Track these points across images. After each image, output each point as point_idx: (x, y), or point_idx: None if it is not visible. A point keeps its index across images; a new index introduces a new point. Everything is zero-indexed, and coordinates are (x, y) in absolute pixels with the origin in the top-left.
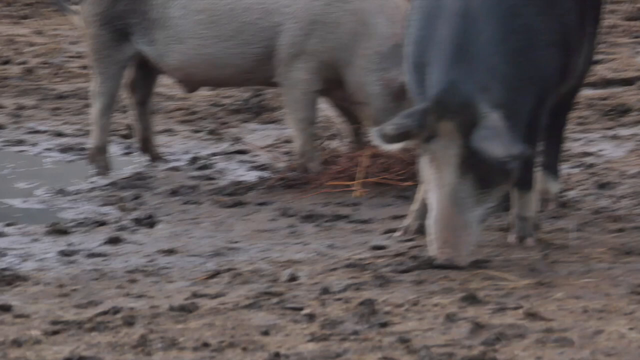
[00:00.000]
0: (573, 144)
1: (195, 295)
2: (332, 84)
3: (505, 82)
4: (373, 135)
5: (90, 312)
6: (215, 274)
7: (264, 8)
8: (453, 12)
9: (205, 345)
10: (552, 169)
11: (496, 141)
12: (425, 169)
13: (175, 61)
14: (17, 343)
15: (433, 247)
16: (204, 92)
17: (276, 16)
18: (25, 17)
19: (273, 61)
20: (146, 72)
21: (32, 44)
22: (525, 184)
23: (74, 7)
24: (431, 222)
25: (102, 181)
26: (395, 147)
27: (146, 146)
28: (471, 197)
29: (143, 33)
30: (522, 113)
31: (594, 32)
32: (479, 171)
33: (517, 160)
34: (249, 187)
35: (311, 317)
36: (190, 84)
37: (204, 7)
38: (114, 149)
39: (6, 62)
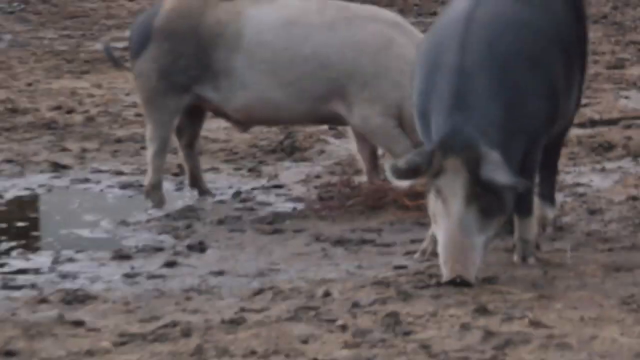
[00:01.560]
0: (566, 176)
1: (243, 310)
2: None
3: (500, 128)
4: (386, 170)
5: (152, 326)
6: (260, 292)
7: (320, 62)
8: (450, 68)
9: (253, 353)
10: (548, 197)
11: (502, 172)
12: (433, 202)
13: (239, 105)
14: (90, 353)
15: (445, 267)
16: (243, 136)
17: (331, 72)
18: (85, 72)
19: (328, 106)
20: (193, 119)
21: (92, 95)
22: (525, 210)
23: (127, 63)
24: (441, 247)
25: (158, 213)
26: (405, 183)
27: (195, 182)
28: (475, 224)
29: (206, 82)
30: (516, 153)
31: (582, 80)
32: (481, 202)
33: (521, 187)
34: (286, 216)
35: (344, 328)
36: (250, 123)
37: (266, 58)
38: (168, 186)
39: (70, 112)
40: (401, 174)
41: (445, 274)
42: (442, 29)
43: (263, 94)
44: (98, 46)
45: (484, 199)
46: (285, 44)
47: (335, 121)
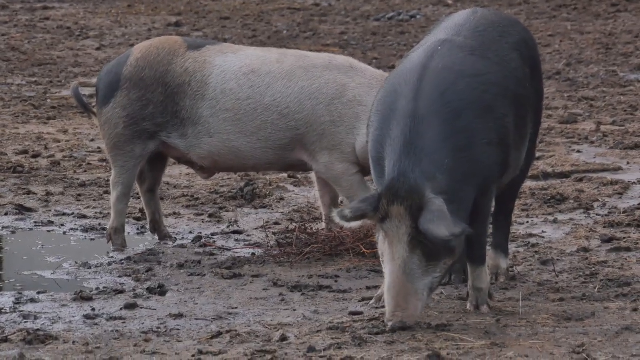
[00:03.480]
0: (519, 227)
1: (201, 352)
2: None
3: (448, 173)
4: (334, 215)
5: None
6: (218, 335)
7: (280, 111)
8: (404, 114)
9: None
10: (502, 247)
11: (439, 223)
12: (381, 244)
13: (204, 152)
14: None
15: (388, 310)
16: (204, 182)
17: (291, 120)
18: (51, 118)
19: (292, 154)
20: (155, 165)
21: (57, 141)
22: (478, 259)
23: (94, 109)
24: (385, 289)
25: (120, 256)
26: (353, 225)
27: (156, 227)
28: (419, 268)
29: (173, 129)
30: (466, 199)
31: (535, 133)
32: (425, 247)
33: (458, 238)
34: (245, 261)
35: None
36: (215, 171)
37: (230, 107)
38: (129, 230)
39: (36, 156)
40: (347, 220)
41: (387, 316)
42: (398, 77)
43: (228, 142)
44: (66, 92)
45: (429, 244)
46: (248, 93)
47: (301, 168)
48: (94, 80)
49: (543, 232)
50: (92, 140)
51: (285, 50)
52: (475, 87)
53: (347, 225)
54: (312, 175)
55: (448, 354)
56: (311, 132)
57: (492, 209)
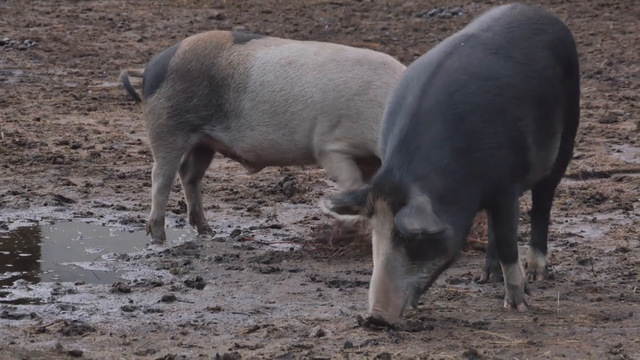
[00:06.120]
0: (558, 227)
1: (237, 346)
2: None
3: (446, 173)
4: (321, 205)
5: (148, 359)
6: (255, 329)
7: (304, 101)
8: (407, 111)
9: None
10: (540, 245)
11: (414, 217)
12: (373, 240)
13: (247, 145)
14: None
15: (369, 305)
16: (243, 176)
17: (312, 110)
18: (92, 109)
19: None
20: (199, 157)
21: (98, 132)
22: (508, 257)
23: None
24: (370, 283)
25: (158, 249)
26: (348, 218)
27: (195, 219)
28: (402, 266)
29: (217, 122)
30: (467, 200)
31: (570, 133)
32: (410, 244)
33: (431, 235)
34: (283, 256)
35: None
36: (259, 164)
37: (267, 99)
38: (168, 222)
39: (76, 147)
40: (329, 209)
41: (368, 310)
42: (414, 70)
43: (267, 134)
44: (107, 83)
45: (414, 242)
46: (282, 84)
47: None
48: (142, 70)
49: (582, 231)
50: (133, 132)
51: (326, 43)
52: (488, 91)
53: (340, 217)
54: None
55: (485, 352)
56: (325, 122)
57: (531, 208)
